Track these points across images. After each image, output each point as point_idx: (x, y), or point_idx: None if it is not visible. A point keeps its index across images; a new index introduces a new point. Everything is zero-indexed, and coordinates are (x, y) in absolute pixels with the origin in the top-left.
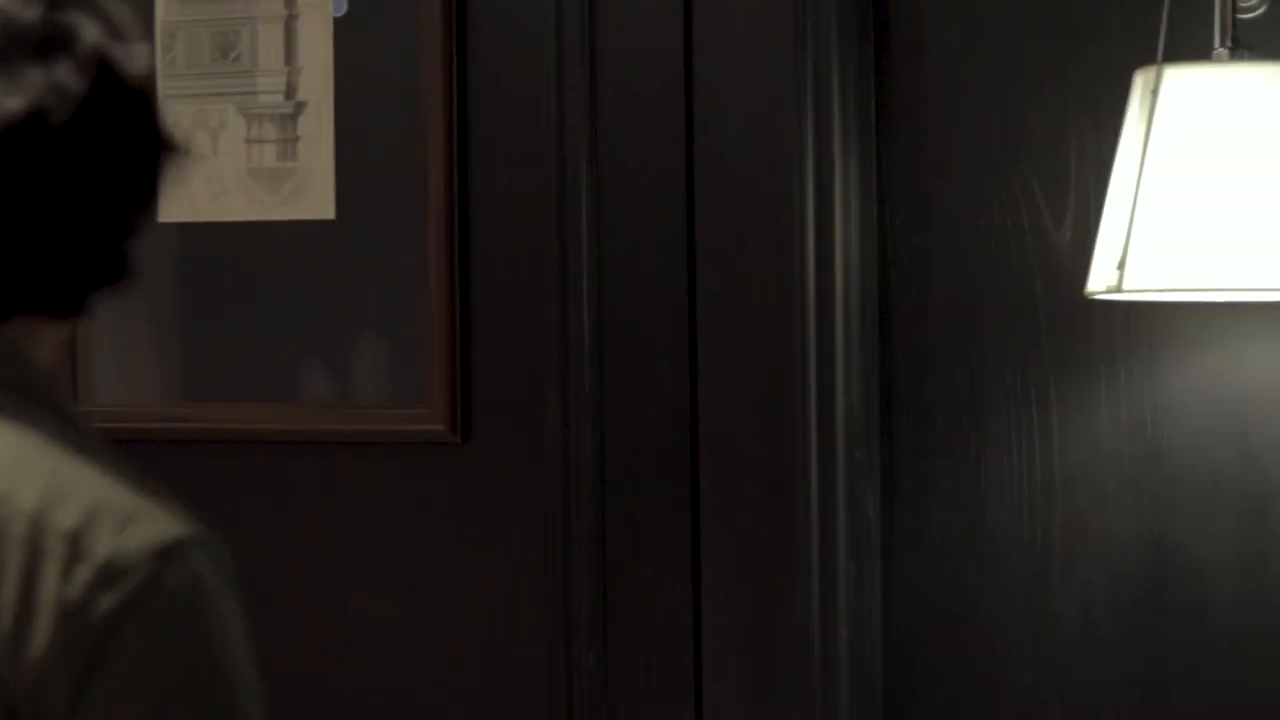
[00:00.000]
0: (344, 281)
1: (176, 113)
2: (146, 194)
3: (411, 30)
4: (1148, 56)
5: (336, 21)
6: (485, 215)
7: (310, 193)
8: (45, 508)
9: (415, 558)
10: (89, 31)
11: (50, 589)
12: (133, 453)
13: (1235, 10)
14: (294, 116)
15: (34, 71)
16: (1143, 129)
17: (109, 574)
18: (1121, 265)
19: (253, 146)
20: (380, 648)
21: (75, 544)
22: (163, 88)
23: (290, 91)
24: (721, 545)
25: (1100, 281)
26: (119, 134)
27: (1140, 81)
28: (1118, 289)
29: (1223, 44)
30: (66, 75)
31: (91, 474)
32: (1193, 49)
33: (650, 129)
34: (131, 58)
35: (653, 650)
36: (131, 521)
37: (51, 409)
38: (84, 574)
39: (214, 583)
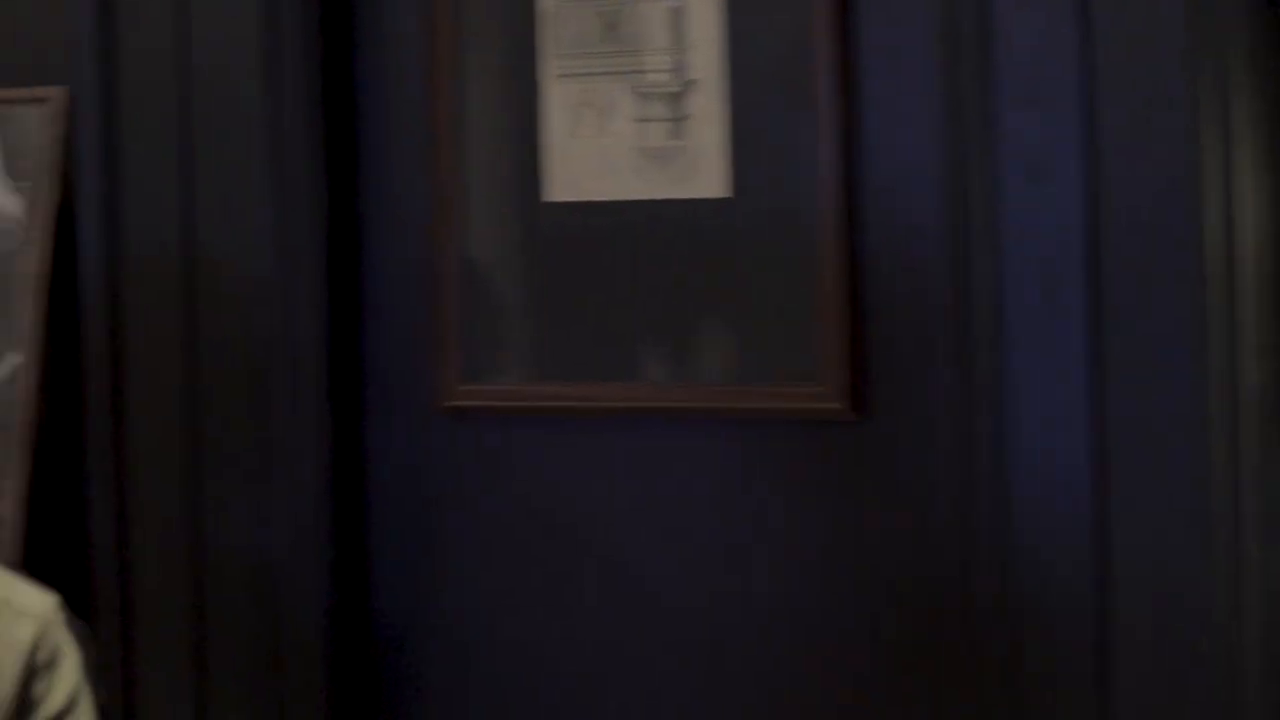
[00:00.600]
0: (738, 258)
1: (564, 92)
2: None
3: (802, 4)
4: None
5: None
6: (878, 190)
7: (702, 171)
8: None
9: (811, 534)
10: None
11: None
12: (539, 429)
13: None
14: (682, 95)
15: None
16: None
17: None
18: None
19: (641, 125)
20: (773, 627)
21: None
22: (550, 68)
23: (679, 70)
24: (1126, 524)
25: None
26: None
27: None
28: None
29: None
30: None
31: None
32: None
33: (1049, 102)
34: None
35: (1058, 632)
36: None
37: None
38: None
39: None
